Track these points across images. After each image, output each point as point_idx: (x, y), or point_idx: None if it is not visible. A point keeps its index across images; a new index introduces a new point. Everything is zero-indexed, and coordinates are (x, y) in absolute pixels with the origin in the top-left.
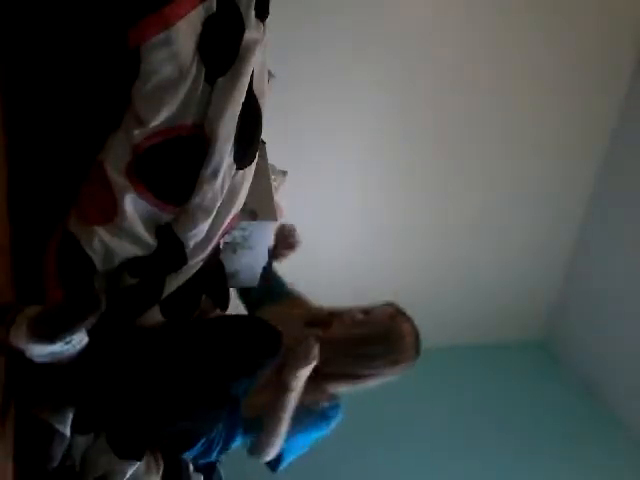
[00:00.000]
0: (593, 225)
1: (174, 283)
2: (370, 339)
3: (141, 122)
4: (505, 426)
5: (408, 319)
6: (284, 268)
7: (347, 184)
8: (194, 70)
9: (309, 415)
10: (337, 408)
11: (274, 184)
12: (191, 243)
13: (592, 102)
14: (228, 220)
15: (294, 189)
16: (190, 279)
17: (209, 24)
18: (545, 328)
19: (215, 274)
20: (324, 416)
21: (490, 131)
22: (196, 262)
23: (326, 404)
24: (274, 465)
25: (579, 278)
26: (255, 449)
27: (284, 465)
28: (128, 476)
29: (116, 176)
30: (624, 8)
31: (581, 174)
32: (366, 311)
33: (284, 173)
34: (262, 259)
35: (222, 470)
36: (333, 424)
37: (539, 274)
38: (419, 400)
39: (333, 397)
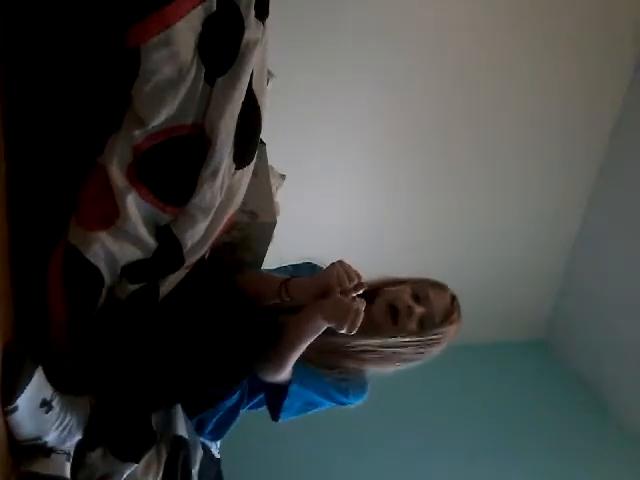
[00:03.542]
0: (593, 225)
1: (167, 286)
2: None
3: (141, 123)
4: (505, 425)
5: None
6: None
7: (347, 184)
8: (194, 70)
9: (335, 382)
10: (362, 392)
11: (272, 187)
12: (189, 243)
13: (592, 102)
14: (226, 219)
15: (294, 189)
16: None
17: (209, 24)
18: (545, 328)
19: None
20: (345, 390)
21: (490, 132)
22: (191, 263)
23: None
24: (275, 413)
25: (579, 278)
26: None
27: (286, 417)
28: (125, 476)
29: (117, 178)
30: (624, 8)
31: (581, 174)
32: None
33: (283, 177)
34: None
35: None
36: (349, 402)
37: (539, 274)
38: (419, 400)
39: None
